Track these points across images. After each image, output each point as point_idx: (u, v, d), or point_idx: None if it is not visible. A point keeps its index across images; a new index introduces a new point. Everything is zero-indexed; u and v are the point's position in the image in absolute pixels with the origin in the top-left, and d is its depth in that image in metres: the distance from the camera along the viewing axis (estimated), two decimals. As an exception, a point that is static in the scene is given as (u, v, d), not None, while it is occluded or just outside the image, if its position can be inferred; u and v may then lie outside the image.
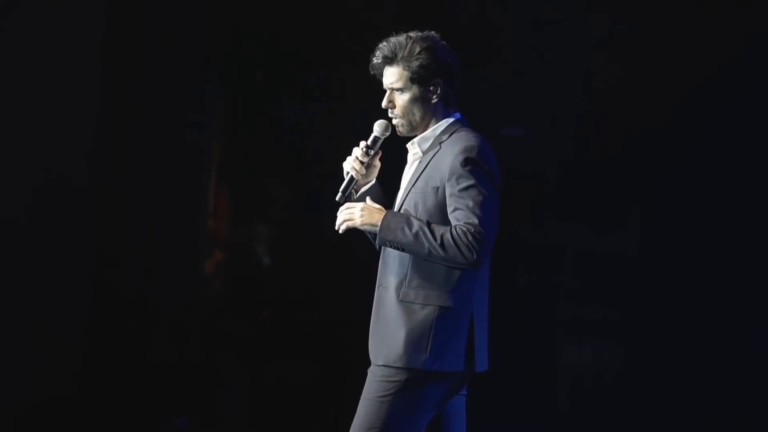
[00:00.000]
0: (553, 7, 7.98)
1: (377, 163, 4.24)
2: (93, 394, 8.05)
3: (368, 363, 4.05)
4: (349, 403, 4.07)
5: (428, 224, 3.91)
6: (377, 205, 4.06)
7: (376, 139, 4.19)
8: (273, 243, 8.63)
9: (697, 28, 7.70)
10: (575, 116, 8.01)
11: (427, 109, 4.10)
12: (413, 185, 4.06)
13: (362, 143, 4.20)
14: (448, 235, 3.86)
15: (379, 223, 3.97)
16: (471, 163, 3.93)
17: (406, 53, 4.06)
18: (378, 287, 4.07)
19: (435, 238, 3.87)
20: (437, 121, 4.12)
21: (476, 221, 3.85)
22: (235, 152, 8.58)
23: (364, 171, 4.18)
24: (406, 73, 4.07)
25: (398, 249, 3.95)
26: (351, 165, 4.18)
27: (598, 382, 8.08)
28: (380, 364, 3.98)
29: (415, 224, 3.91)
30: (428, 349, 3.91)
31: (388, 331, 3.98)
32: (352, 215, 4.04)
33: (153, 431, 8.15)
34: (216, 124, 8.58)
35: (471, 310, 3.97)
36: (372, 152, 4.19)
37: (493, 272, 4.14)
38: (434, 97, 4.10)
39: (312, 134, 8.32)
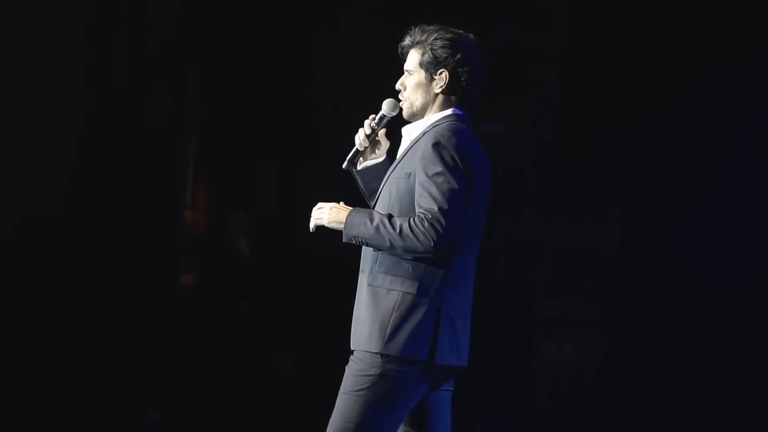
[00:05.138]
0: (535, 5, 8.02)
1: (385, 141, 4.31)
2: (69, 388, 8.01)
3: (347, 357, 4.04)
4: (328, 396, 4.05)
5: (389, 217, 3.94)
6: (346, 207, 4.07)
7: (382, 116, 4.25)
8: (252, 234, 8.61)
9: (682, 27, 7.71)
10: (554, 112, 8.01)
11: (427, 97, 4.13)
12: (393, 171, 4.09)
13: (371, 117, 4.26)
14: (406, 224, 3.88)
15: (344, 220, 4.00)
16: (440, 150, 3.94)
17: (425, 38, 4.11)
18: (360, 272, 4.08)
19: (394, 229, 3.89)
20: (435, 112, 4.13)
21: (435, 208, 3.87)
22: (212, 144, 8.57)
23: (367, 143, 4.25)
24: (418, 57, 4.12)
25: (363, 244, 3.99)
26: (357, 136, 4.26)
27: (577, 379, 8.08)
28: (353, 348, 4.01)
29: (376, 218, 3.94)
30: (386, 333, 3.91)
31: (360, 315, 4.01)
32: (321, 215, 4.09)
33: (128, 425, 8.12)
34: (193, 116, 8.56)
35: (440, 302, 3.95)
36: (377, 128, 4.25)
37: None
38: (436, 86, 4.11)
39: (291, 124, 8.31)
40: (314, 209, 4.11)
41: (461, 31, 4.14)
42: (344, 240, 4.03)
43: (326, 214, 4.05)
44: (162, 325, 8.34)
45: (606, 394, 7.84)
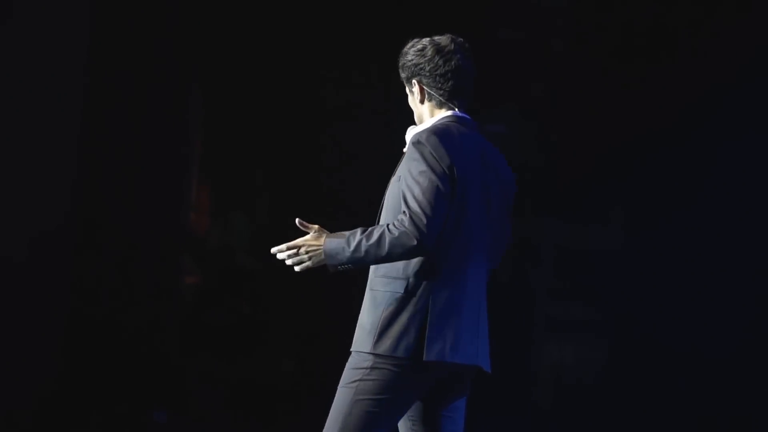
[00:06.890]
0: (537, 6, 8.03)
1: None
2: (73, 389, 8.03)
3: (346, 358, 4.08)
4: (331, 399, 4.07)
5: (364, 230, 3.93)
6: (318, 239, 4.04)
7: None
8: (254, 236, 8.62)
9: (683, 30, 7.72)
10: (558, 112, 8.02)
11: (418, 110, 4.20)
12: (392, 177, 4.09)
13: None
14: (385, 231, 3.88)
15: (322, 255, 3.99)
16: (420, 148, 3.97)
17: (400, 60, 4.20)
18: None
19: (372, 239, 3.89)
20: (432, 118, 4.17)
21: (414, 205, 3.88)
22: (217, 146, 8.58)
23: None
24: (402, 78, 4.23)
25: (348, 268, 3.96)
26: None
27: (579, 380, 8.08)
28: (351, 350, 4.05)
29: (352, 238, 3.93)
30: (376, 333, 3.94)
31: (361, 318, 4.05)
32: (300, 259, 4.06)
33: (133, 426, 8.13)
34: (198, 119, 8.58)
35: (428, 299, 3.96)
36: None
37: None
38: (417, 98, 4.19)
39: (296, 129, 8.32)
40: (286, 253, 4.06)
41: (435, 37, 4.16)
42: (332, 272, 4.01)
43: (305, 255, 4.03)
44: (166, 327, 8.35)
45: (608, 396, 7.84)
